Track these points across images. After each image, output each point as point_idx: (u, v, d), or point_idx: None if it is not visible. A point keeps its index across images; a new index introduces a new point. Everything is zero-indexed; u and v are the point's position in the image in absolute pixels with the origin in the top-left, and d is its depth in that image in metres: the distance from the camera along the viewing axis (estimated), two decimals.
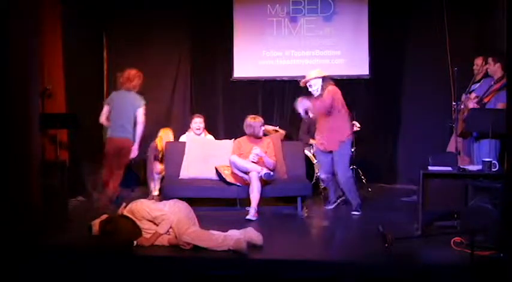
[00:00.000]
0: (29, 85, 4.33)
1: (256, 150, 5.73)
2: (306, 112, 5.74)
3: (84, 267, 3.85)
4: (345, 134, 5.66)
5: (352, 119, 6.98)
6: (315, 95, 5.69)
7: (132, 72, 5.83)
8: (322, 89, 5.66)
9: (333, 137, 5.63)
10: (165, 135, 6.70)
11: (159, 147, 6.53)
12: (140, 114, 5.71)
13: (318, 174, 6.23)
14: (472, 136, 5.35)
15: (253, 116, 6.03)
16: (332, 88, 5.66)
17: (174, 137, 6.80)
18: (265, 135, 6.32)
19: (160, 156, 6.48)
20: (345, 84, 7.66)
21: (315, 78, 5.68)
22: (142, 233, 4.26)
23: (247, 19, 7.83)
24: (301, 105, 5.61)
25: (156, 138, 6.62)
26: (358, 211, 5.62)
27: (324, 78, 5.71)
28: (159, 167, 6.49)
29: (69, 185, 5.32)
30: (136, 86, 5.83)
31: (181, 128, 7.00)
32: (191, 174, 6.07)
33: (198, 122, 6.65)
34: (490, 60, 5.43)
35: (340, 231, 5.26)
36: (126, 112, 5.69)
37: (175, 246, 4.19)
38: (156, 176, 6.61)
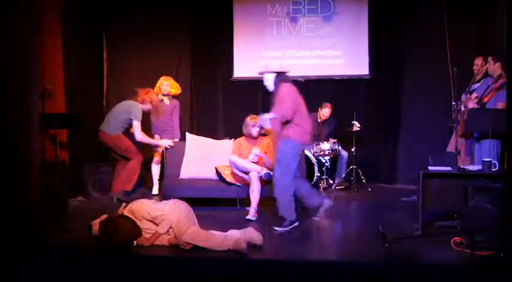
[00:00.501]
0: (29, 85, 4.34)
1: (256, 151, 5.73)
2: (262, 128, 5.59)
3: (84, 267, 3.85)
4: (293, 132, 4.96)
5: (353, 120, 7.02)
6: (270, 90, 5.22)
7: (146, 88, 6.37)
8: (275, 85, 5.09)
9: (282, 133, 5.05)
10: (166, 83, 6.69)
11: (156, 90, 6.61)
12: (135, 127, 6.10)
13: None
14: (474, 137, 5.35)
15: (254, 116, 6.00)
16: (286, 86, 5.04)
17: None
18: (265, 135, 6.32)
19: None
20: (345, 84, 7.72)
21: (267, 72, 5.16)
22: (142, 233, 4.26)
23: (247, 19, 7.83)
24: (262, 121, 5.17)
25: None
26: (283, 227, 4.91)
27: (279, 75, 5.11)
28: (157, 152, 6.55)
29: (69, 185, 5.32)
30: (144, 100, 6.21)
31: (181, 128, 6.99)
32: (191, 174, 6.07)
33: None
34: (489, 59, 5.43)
35: (340, 231, 5.26)
36: (120, 115, 6.15)
37: (175, 246, 4.18)
38: (155, 168, 6.62)
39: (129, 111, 6.10)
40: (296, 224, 4.97)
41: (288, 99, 4.97)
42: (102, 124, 6.19)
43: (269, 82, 5.13)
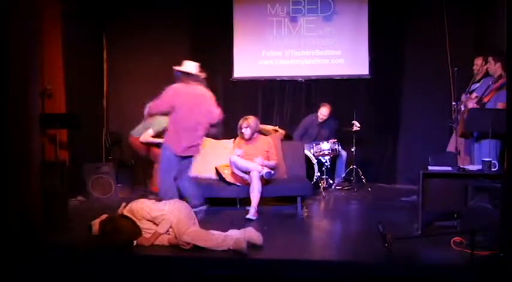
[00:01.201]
0: (29, 85, 4.33)
1: (258, 160, 5.68)
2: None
3: (84, 267, 3.85)
4: (167, 138, 5.09)
5: (353, 120, 7.02)
6: None
7: None
8: (174, 82, 5.06)
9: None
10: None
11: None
12: (147, 132, 6.27)
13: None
14: (473, 136, 5.35)
15: (246, 117, 5.95)
16: (173, 88, 4.97)
17: None
18: (264, 134, 6.33)
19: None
20: (345, 84, 7.72)
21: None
22: (142, 233, 4.26)
23: (247, 19, 7.84)
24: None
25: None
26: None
27: (183, 74, 4.97)
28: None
29: (69, 185, 5.33)
30: None
31: None
32: (191, 174, 6.05)
33: None
34: (490, 59, 5.43)
35: (340, 231, 5.26)
36: (146, 123, 6.27)
37: (175, 246, 4.18)
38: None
39: (154, 122, 6.18)
40: None
41: (163, 98, 4.95)
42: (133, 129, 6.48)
43: (173, 80, 5.06)
